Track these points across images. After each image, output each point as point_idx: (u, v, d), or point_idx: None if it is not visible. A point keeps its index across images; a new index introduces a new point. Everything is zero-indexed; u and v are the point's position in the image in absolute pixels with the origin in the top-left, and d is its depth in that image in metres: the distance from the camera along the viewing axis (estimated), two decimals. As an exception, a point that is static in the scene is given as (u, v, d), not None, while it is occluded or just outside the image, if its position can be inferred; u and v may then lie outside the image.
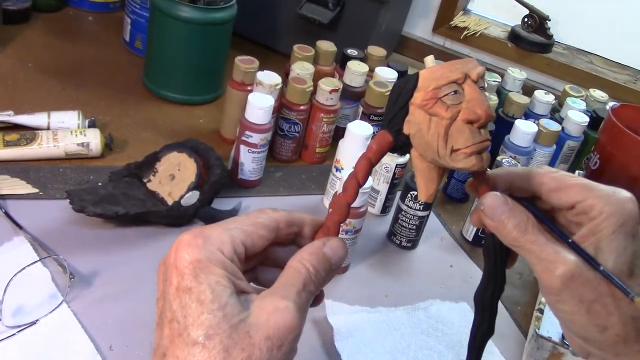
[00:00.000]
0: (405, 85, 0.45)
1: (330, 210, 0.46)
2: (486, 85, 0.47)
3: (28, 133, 0.86)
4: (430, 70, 0.44)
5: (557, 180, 0.45)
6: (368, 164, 0.46)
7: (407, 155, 0.90)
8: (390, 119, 0.45)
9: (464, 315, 0.80)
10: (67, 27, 1.24)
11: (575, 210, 0.44)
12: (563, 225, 0.45)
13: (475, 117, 0.43)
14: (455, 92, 0.43)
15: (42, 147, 0.85)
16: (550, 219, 0.45)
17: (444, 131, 0.43)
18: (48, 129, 0.90)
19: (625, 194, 0.45)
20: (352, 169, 0.46)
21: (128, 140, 0.96)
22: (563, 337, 0.79)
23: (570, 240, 0.42)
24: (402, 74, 1.08)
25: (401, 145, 0.46)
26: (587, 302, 0.40)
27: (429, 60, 0.47)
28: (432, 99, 0.43)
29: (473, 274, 0.88)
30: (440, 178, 0.46)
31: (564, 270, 0.40)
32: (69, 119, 0.91)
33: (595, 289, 0.40)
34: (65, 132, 0.88)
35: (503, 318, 0.82)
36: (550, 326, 0.80)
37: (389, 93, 1.00)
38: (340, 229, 0.47)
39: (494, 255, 0.48)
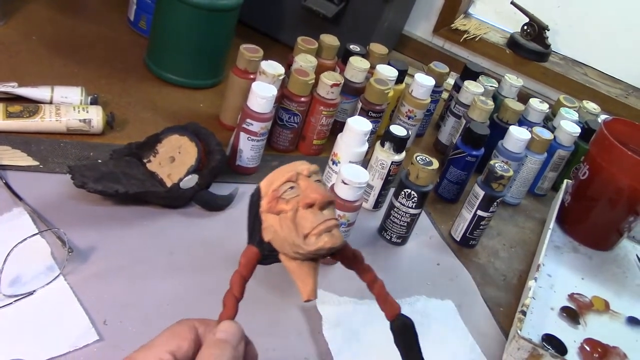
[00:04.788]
0: (252, 199, 0.51)
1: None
2: (321, 178, 0.52)
3: (31, 106, 0.87)
4: (267, 178, 0.50)
5: None
6: (241, 279, 0.50)
7: (404, 153, 0.92)
8: (250, 232, 0.51)
9: (448, 313, 0.82)
10: (72, 2, 1.24)
11: None
12: None
13: (311, 200, 0.48)
14: (292, 187, 0.49)
15: (45, 121, 0.86)
16: None
17: (292, 222, 0.49)
18: (51, 103, 0.90)
19: None
20: (229, 287, 0.50)
21: (128, 119, 0.97)
22: (543, 339, 0.82)
23: None
24: (402, 73, 1.10)
25: (268, 253, 0.50)
26: None
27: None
28: (274, 199, 0.49)
29: (459, 272, 0.91)
30: (314, 271, 0.50)
31: None
32: (72, 94, 0.92)
33: None
34: (68, 107, 0.88)
35: (486, 318, 0.84)
36: (531, 328, 0.83)
37: (387, 91, 1.01)
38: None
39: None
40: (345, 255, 0.53)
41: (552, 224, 1.00)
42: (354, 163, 0.86)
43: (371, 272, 0.54)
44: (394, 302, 0.54)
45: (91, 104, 0.93)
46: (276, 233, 0.49)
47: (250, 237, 0.51)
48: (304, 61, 0.99)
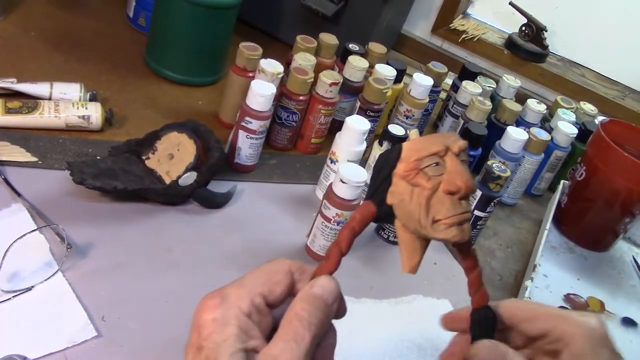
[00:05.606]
0: (389, 156, 0.46)
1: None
2: (468, 158, 0.48)
3: (30, 102, 0.87)
4: (413, 142, 0.46)
5: (525, 310, 0.49)
6: (352, 233, 0.46)
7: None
8: (374, 189, 0.46)
9: (444, 312, 0.82)
10: (71, -2, 1.25)
11: (549, 339, 0.47)
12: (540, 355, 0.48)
13: (455, 189, 0.44)
14: (437, 163, 0.45)
15: (44, 117, 0.86)
16: None
17: (426, 201, 0.44)
18: (50, 99, 0.90)
19: (593, 318, 0.48)
20: (336, 239, 0.46)
21: (127, 116, 0.97)
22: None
23: None
24: (401, 72, 1.10)
25: (385, 215, 0.46)
26: None
27: (413, 133, 0.49)
28: (414, 169, 0.45)
29: (455, 272, 0.91)
30: (423, 249, 0.47)
31: None
32: (71, 90, 0.92)
33: None
34: (67, 103, 0.88)
35: (482, 317, 0.84)
36: (526, 328, 0.83)
37: (385, 90, 1.02)
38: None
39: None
40: None
41: (548, 224, 1.01)
42: (352, 162, 0.87)
43: (473, 259, 0.51)
44: (485, 294, 0.52)
45: (90, 100, 0.93)
46: (403, 202, 0.45)
47: (372, 194, 0.47)
48: (303, 60, 0.99)
